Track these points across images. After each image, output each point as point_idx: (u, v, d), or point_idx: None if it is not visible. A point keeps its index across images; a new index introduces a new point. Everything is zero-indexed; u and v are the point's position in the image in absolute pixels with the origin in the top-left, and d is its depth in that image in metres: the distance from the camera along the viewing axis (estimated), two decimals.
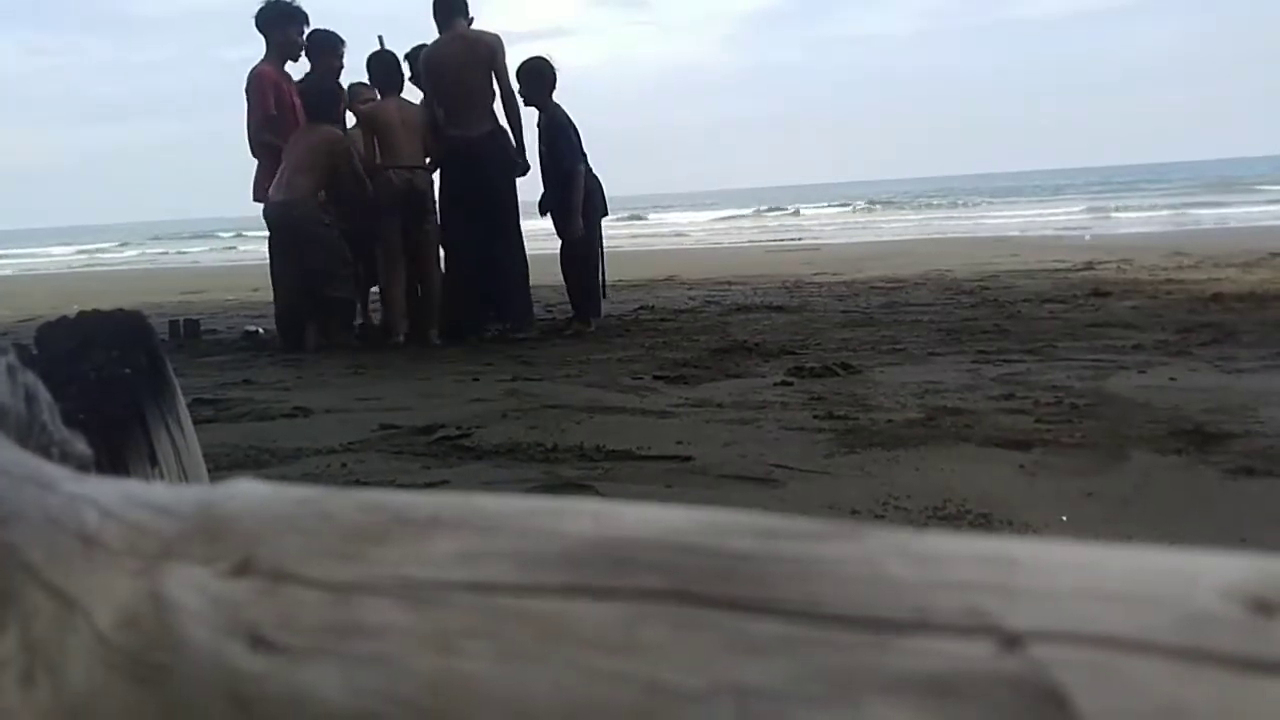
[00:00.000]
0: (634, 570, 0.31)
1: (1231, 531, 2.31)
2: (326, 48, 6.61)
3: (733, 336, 5.70)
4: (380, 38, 6.47)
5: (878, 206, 33.69)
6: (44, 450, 0.61)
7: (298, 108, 6.39)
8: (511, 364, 5.18)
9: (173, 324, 7.19)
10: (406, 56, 6.60)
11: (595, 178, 6.52)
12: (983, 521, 2.46)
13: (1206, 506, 2.52)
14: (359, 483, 2.94)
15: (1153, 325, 5.32)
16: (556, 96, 6.41)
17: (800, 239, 18.58)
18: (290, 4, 6.49)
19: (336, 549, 0.37)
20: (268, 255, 6.68)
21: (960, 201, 33.81)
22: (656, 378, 4.52)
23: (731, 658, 0.28)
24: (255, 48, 6.51)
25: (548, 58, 6.47)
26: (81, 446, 0.65)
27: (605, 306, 6.64)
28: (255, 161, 6.56)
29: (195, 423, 0.84)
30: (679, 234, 24.39)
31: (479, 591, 0.33)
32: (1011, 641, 0.26)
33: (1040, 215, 22.99)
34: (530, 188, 6.44)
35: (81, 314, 0.83)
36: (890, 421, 3.44)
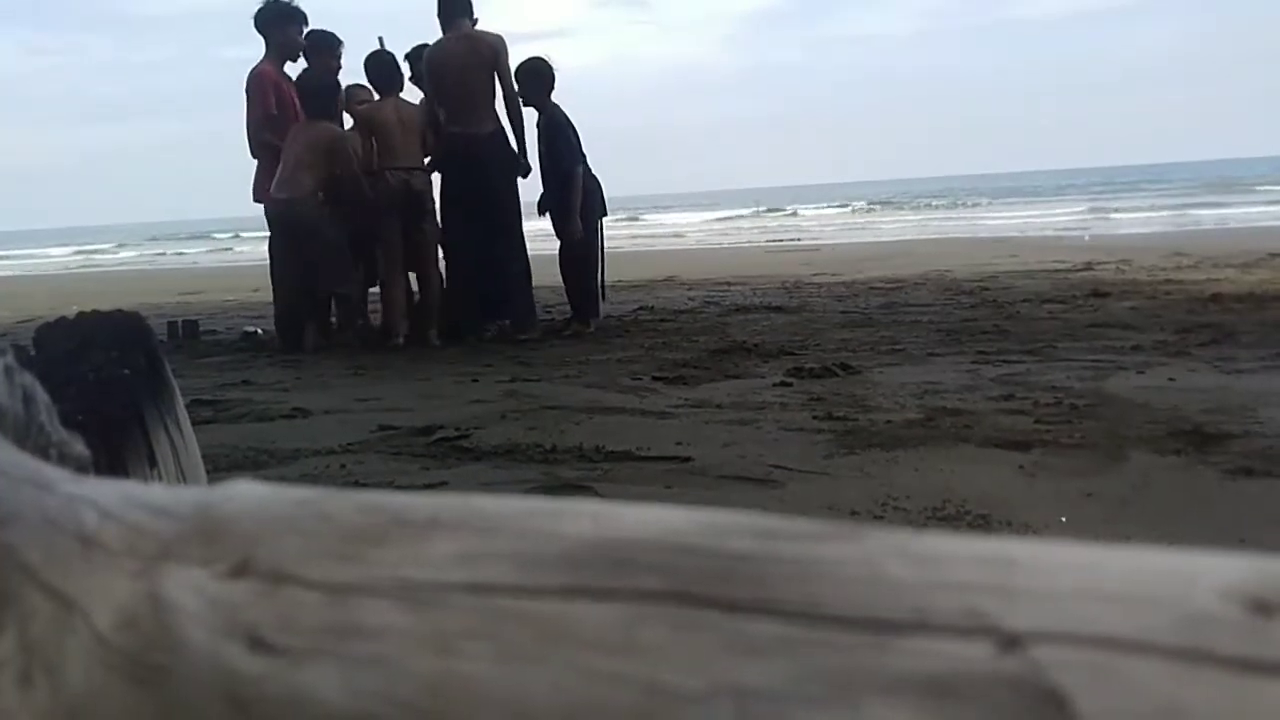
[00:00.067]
0: (633, 571, 0.31)
1: (1230, 532, 2.31)
2: (324, 48, 6.60)
3: (732, 337, 5.70)
4: (380, 39, 6.47)
5: (877, 207, 33.70)
6: (42, 451, 0.61)
7: (298, 108, 6.39)
8: (510, 365, 5.18)
9: (171, 325, 7.19)
10: (407, 56, 6.60)
11: (594, 178, 6.52)
12: (982, 522, 2.46)
13: (1205, 507, 2.52)
14: (358, 484, 2.94)
15: (1152, 326, 5.32)
16: (557, 96, 6.42)
17: (800, 239, 18.59)
18: (289, 4, 6.49)
19: (335, 550, 0.37)
20: (268, 255, 6.68)
21: (960, 202, 33.82)
22: (656, 378, 4.53)
23: (731, 659, 0.28)
24: (255, 48, 6.50)
25: (546, 58, 6.47)
26: (80, 447, 0.64)
27: (604, 307, 6.64)
28: (254, 162, 6.56)
29: (194, 423, 0.84)
30: (678, 234, 24.39)
31: (478, 593, 0.33)
32: (1011, 642, 0.26)
33: (1040, 215, 22.99)
34: (530, 188, 6.45)
35: (80, 315, 0.83)
36: (889, 422, 3.44)
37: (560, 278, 6.52)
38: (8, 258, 30.75)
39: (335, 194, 6.28)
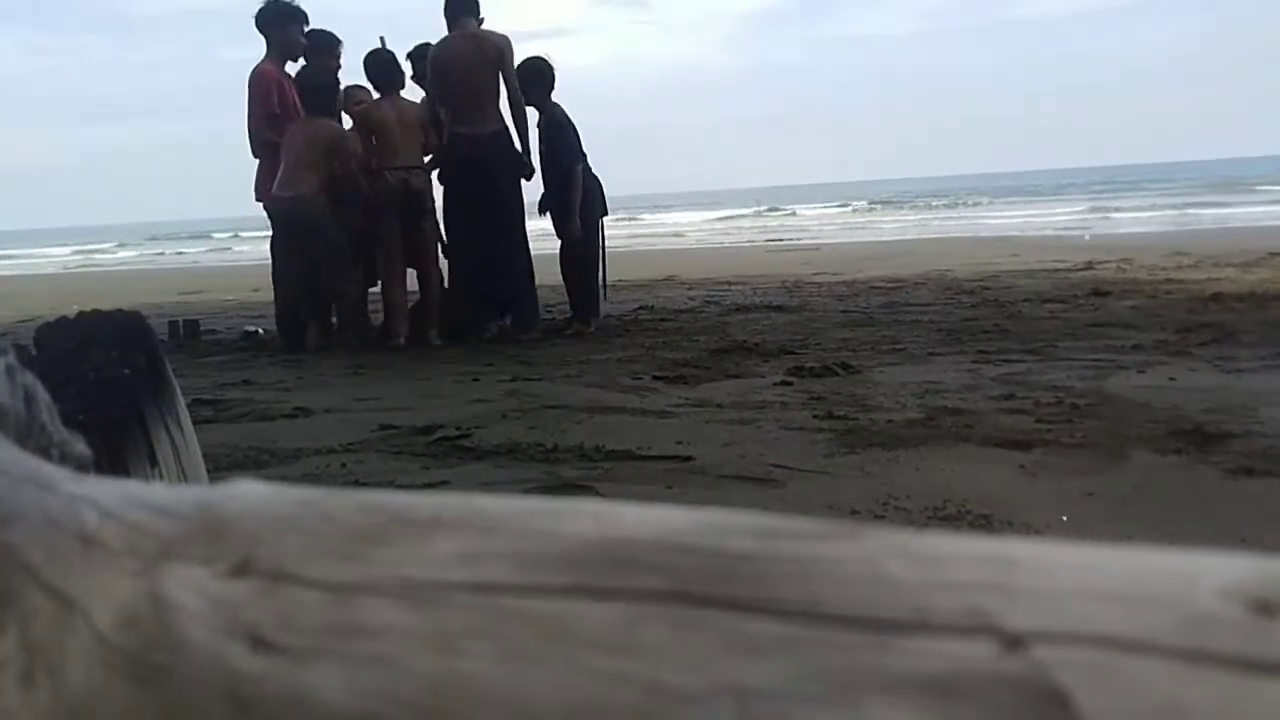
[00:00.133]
0: (634, 571, 0.31)
1: (1231, 531, 2.31)
2: (324, 48, 6.60)
3: (732, 336, 5.70)
4: (382, 38, 6.47)
5: (878, 206, 33.69)
6: (43, 451, 0.61)
7: (299, 108, 6.39)
8: (511, 364, 5.18)
9: (172, 324, 7.19)
10: (409, 55, 6.60)
11: (595, 177, 6.52)
12: (983, 522, 2.46)
13: (1206, 506, 2.52)
14: (359, 483, 2.94)
15: (1153, 325, 5.32)
16: (557, 96, 6.42)
17: (800, 239, 18.58)
18: (290, 3, 6.49)
19: (337, 549, 0.37)
20: (269, 254, 6.67)
21: (960, 201, 33.81)
22: (656, 378, 4.52)
23: (731, 658, 0.28)
24: (255, 47, 6.50)
25: (546, 57, 6.47)
26: (81, 447, 0.64)
27: (605, 306, 6.64)
28: (255, 162, 6.56)
29: (195, 423, 0.84)
30: (678, 234, 24.38)
31: (480, 592, 0.33)
32: (1012, 642, 0.26)
33: (1040, 215, 22.99)
34: (532, 187, 6.45)
35: (81, 314, 0.83)
36: (890, 421, 3.44)
37: (561, 277, 6.52)
38: (8, 257, 30.77)
39: (336, 193, 6.28)
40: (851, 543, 0.30)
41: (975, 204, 32.11)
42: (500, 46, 6.20)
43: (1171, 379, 3.94)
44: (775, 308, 7.07)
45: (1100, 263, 9.08)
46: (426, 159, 6.36)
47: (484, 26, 6.35)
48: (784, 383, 4.25)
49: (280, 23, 6.46)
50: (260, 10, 6.47)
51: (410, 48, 6.69)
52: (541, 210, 6.54)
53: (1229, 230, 14.32)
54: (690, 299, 7.97)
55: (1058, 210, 24.66)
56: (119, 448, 0.73)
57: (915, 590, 0.28)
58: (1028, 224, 19.64)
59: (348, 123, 6.55)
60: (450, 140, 6.22)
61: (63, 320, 0.81)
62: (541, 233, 6.68)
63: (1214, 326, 5.13)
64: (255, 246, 19.60)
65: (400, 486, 2.82)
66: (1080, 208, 25.04)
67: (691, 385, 4.33)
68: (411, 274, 6.42)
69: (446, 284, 6.43)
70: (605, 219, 6.70)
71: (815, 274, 9.69)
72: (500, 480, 2.96)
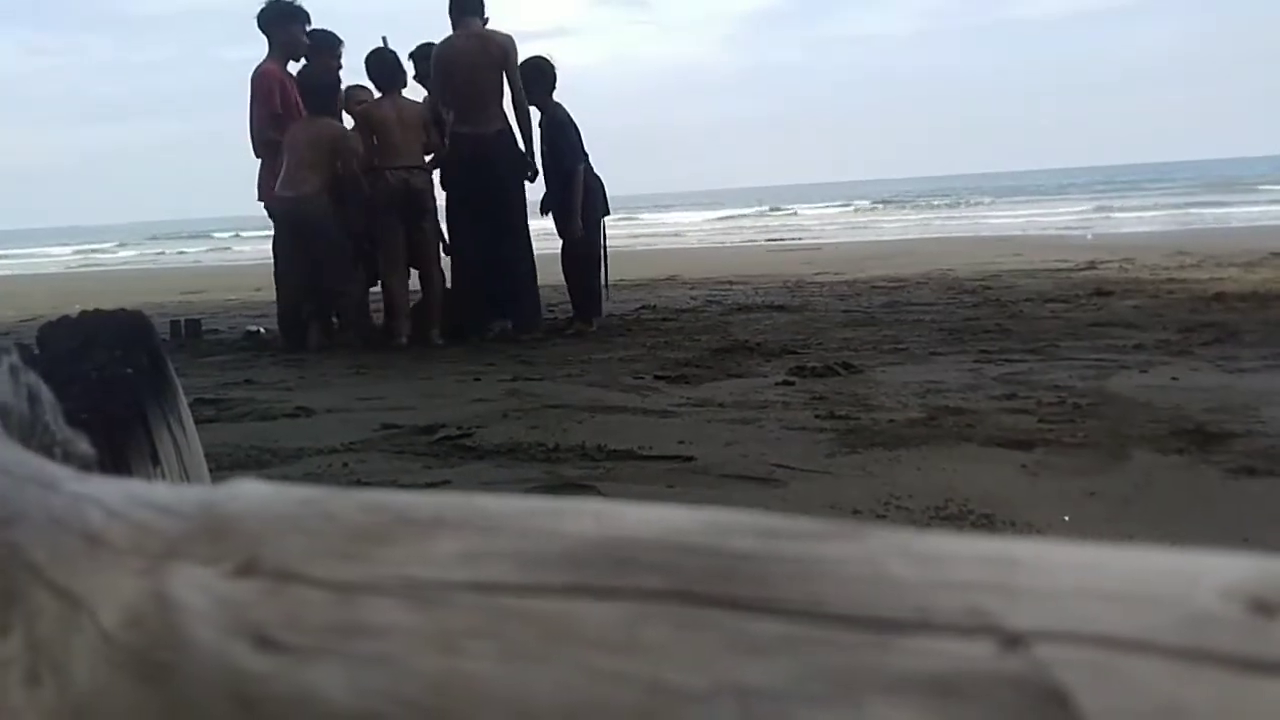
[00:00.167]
0: (636, 570, 0.31)
1: (1233, 531, 2.31)
2: (325, 47, 6.60)
3: (734, 336, 5.70)
4: (384, 38, 6.47)
5: (879, 206, 33.67)
6: (47, 450, 0.61)
7: (301, 108, 6.39)
8: (513, 364, 5.18)
9: (174, 324, 7.19)
10: (411, 55, 6.59)
11: (597, 177, 6.52)
12: (985, 521, 2.46)
13: (1208, 506, 2.52)
14: (361, 483, 2.94)
15: (1155, 325, 5.32)
16: (558, 96, 6.41)
17: (801, 238, 18.58)
18: (292, 3, 6.49)
19: (340, 549, 0.37)
20: (271, 253, 6.67)
21: (962, 201, 33.80)
22: (658, 377, 4.52)
23: (733, 658, 0.28)
24: (255, 47, 6.52)
25: (548, 57, 6.47)
26: (84, 446, 0.65)
27: (606, 306, 6.64)
28: (256, 161, 6.56)
29: (197, 422, 0.84)
30: (679, 233, 24.37)
31: (482, 591, 0.33)
32: (1013, 641, 0.26)
33: (1042, 215, 22.97)
34: (535, 187, 6.45)
35: (83, 314, 0.83)
36: (892, 421, 3.44)
37: (562, 276, 6.52)
38: (8, 257, 30.77)
39: (338, 194, 6.28)
40: (853, 542, 0.30)
41: (977, 204, 32.09)
42: (505, 46, 6.19)
43: (1173, 379, 3.94)
44: (777, 307, 7.07)
45: (1102, 262, 9.07)
46: (428, 159, 6.36)
47: (488, 26, 6.35)
48: (786, 382, 4.25)
49: (282, 22, 6.46)
50: (262, 10, 6.47)
51: (412, 47, 6.69)
52: (544, 210, 6.53)
53: (1231, 230, 14.31)
54: (692, 299, 7.97)
55: (1059, 210, 24.65)
56: (122, 447, 0.73)
57: (917, 590, 0.28)
58: (1030, 223, 19.63)
59: (349, 122, 6.55)
60: (454, 140, 6.22)
61: (65, 320, 0.81)
62: (543, 232, 6.68)
63: (1216, 326, 5.12)
64: (256, 246, 19.62)
65: (402, 486, 2.82)
66: (1082, 207, 25.02)
67: (693, 385, 4.33)
68: (413, 274, 6.42)
69: (448, 283, 6.43)
70: (606, 219, 6.70)
71: (817, 274, 9.69)
72: (502, 480, 2.96)
